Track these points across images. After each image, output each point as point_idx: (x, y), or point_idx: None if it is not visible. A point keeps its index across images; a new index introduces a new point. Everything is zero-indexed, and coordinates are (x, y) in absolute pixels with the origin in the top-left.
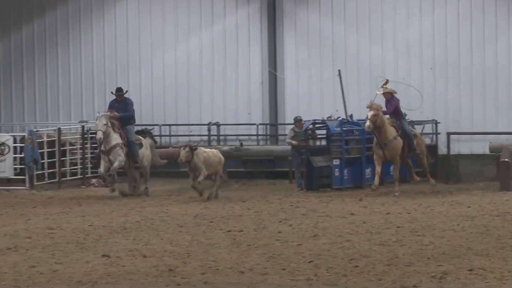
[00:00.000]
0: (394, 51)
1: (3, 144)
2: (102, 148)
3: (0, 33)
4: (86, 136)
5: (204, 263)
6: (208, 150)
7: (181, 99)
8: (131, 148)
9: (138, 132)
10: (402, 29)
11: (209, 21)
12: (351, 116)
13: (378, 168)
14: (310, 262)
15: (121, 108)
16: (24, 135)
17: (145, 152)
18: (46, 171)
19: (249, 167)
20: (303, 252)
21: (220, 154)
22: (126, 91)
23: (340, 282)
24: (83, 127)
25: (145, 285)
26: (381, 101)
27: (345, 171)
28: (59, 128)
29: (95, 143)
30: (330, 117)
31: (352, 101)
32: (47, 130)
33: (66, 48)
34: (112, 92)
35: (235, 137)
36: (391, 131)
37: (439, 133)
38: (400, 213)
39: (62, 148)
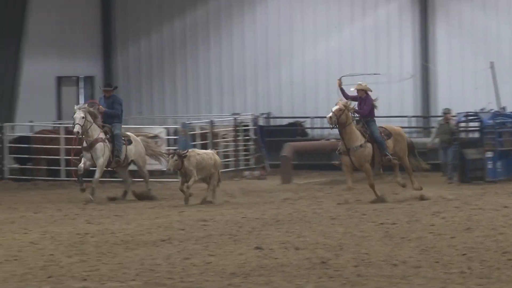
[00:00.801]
0: None
1: (156, 136)
2: (84, 144)
3: (154, 27)
4: (238, 128)
5: (357, 255)
6: (202, 152)
7: (333, 91)
8: (114, 143)
9: (290, 124)
10: None
11: (360, 13)
12: (504, 108)
13: (348, 175)
14: (463, 255)
15: (109, 105)
16: (177, 128)
17: (135, 149)
18: None
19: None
20: (456, 245)
21: (216, 156)
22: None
23: (493, 275)
24: (235, 119)
25: (298, 278)
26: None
27: (499, 164)
28: (212, 121)
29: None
30: (483, 109)
31: (505, 93)
32: (200, 122)
33: (218, 41)
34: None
35: None
36: (357, 136)
37: None
38: None
39: (214, 141)
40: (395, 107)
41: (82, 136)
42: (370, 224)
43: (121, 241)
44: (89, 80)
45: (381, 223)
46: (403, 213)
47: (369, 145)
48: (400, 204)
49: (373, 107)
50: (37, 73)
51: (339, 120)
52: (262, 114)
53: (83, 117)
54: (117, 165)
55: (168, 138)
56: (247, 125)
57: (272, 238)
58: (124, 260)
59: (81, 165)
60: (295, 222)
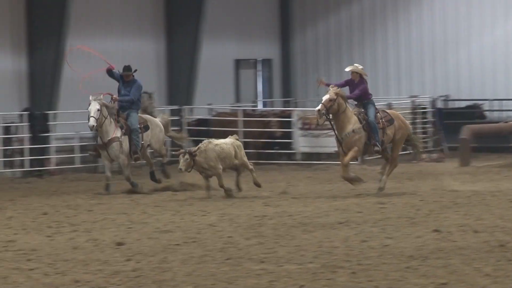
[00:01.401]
0: None
1: None
2: (99, 141)
3: (331, 10)
4: (416, 111)
5: None
6: (221, 141)
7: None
8: (131, 137)
9: (469, 107)
10: None
11: None
12: None
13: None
14: None
15: (127, 89)
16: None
17: (151, 134)
18: None
19: None
20: None
21: (237, 142)
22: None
23: None
24: (413, 101)
25: (476, 261)
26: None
27: None
28: (390, 103)
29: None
30: None
31: None
32: (378, 105)
33: (395, 23)
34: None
35: None
36: (352, 122)
37: None
38: None
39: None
40: None
41: (97, 130)
42: None
43: (298, 224)
44: (267, 63)
45: None
46: None
47: (362, 131)
48: None
49: (365, 91)
50: (215, 56)
51: (330, 111)
52: (440, 96)
53: (98, 110)
54: (136, 161)
55: None
56: (425, 108)
57: (450, 220)
58: (302, 243)
59: (108, 174)
60: (473, 205)
